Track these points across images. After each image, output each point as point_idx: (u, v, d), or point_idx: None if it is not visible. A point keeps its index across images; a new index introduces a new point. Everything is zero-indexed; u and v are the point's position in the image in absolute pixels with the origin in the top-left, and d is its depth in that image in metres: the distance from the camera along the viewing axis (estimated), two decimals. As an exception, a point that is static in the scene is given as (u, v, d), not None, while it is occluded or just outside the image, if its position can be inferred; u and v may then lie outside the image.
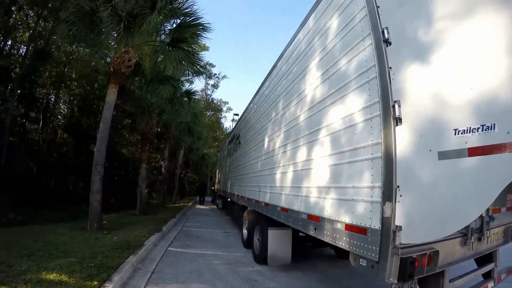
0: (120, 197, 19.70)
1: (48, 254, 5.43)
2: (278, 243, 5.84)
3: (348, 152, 3.43)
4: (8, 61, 15.59)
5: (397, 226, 2.59)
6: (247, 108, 11.02)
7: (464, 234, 3.28)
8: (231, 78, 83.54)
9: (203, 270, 5.87)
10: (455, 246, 3.24)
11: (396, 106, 2.70)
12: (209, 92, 47.82)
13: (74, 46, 17.85)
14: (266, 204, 6.46)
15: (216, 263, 6.52)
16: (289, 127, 5.51)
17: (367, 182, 3.03)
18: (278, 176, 5.94)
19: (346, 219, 3.33)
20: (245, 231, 8.42)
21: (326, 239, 3.74)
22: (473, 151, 2.41)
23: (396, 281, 2.62)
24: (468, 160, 2.43)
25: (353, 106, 3.38)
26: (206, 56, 53.54)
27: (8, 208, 12.33)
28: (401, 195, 2.63)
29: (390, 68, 2.84)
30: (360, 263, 3.04)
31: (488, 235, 3.55)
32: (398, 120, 2.71)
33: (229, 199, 14.63)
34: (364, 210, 3.04)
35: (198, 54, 11.66)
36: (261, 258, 6.21)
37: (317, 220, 4.00)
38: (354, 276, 5.54)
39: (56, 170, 17.64)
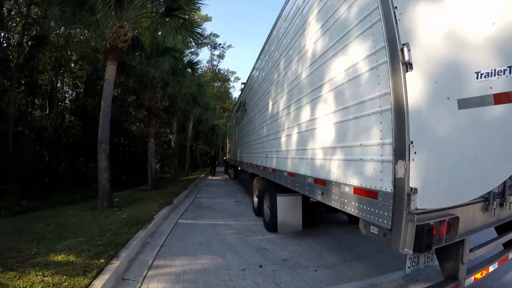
0: (131, 174, 19.94)
1: (58, 236, 5.34)
2: (287, 210, 5.66)
3: (354, 107, 3.07)
4: (5, 51, 15.44)
5: (411, 188, 2.27)
6: (250, 73, 10.72)
7: (486, 199, 2.90)
8: (238, 47, 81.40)
9: (212, 241, 5.78)
10: (475, 212, 2.87)
11: (405, 49, 2.31)
12: (215, 62, 47.24)
13: (70, 29, 17.66)
14: (273, 170, 6.27)
15: (226, 232, 6.43)
16: (292, 86, 5.17)
17: (376, 139, 2.69)
18: (283, 139, 5.68)
19: (355, 181, 3.03)
20: (255, 199, 8.31)
21: (334, 204, 3.47)
22: (499, 98, 2.05)
23: (411, 252, 2.34)
24: (494, 108, 2.08)
25: (357, 55, 3.00)
26: (210, 27, 52.65)
27: (20, 196, 12.53)
28: (415, 152, 2.29)
29: (396, 8, 2.43)
30: (371, 230, 2.75)
31: (510, 201, 3.17)
32: (408, 66, 2.32)
33: (239, 168, 14.56)
34: (373, 171, 2.72)
35: (196, 22, 11.20)
36: (272, 226, 6.08)
37: (324, 184, 3.73)
38: (367, 242, 5.36)
39: (66, 153, 17.90)
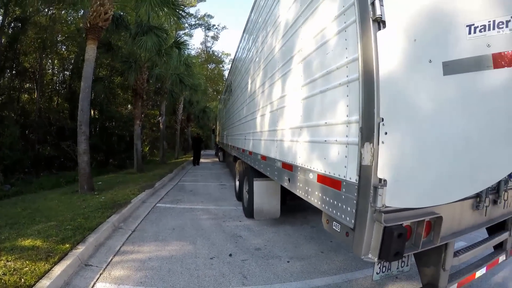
0: (119, 157, 19.58)
1: (31, 220, 5.19)
2: (264, 195, 5.27)
3: (321, 79, 2.61)
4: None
5: (380, 179, 1.82)
6: (236, 52, 10.33)
7: (477, 195, 2.41)
8: (233, 28, 79.56)
9: (186, 226, 5.51)
10: (464, 210, 2.37)
11: (377, 2, 1.82)
12: (209, 44, 46.32)
13: (53, 9, 17.22)
14: (250, 153, 5.95)
15: (203, 218, 6.14)
16: (266, 62, 4.74)
17: (341, 116, 2.24)
18: (258, 120, 5.29)
19: (319, 167, 2.60)
20: (237, 183, 7.98)
21: (299, 193, 3.05)
22: (500, 59, 1.57)
23: (376, 259, 1.91)
24: (494, 74, 1.60)
25: (325, 18, 2.53)
26: (204, 7, 51.95)
27: (3, 181, 12.34)
28: (386, 133, 1.81)
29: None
30: (334, 227, 2.34)
31: (505, 198, 2.61)
32: (380, 23, 1.85)
33: (225, 151, 14.21)
34: (338, 156, 2.28)
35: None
36: (249, 211, 5.74)
37: (291, 169, 3.32)
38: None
39: (53, 137, 17.56)
